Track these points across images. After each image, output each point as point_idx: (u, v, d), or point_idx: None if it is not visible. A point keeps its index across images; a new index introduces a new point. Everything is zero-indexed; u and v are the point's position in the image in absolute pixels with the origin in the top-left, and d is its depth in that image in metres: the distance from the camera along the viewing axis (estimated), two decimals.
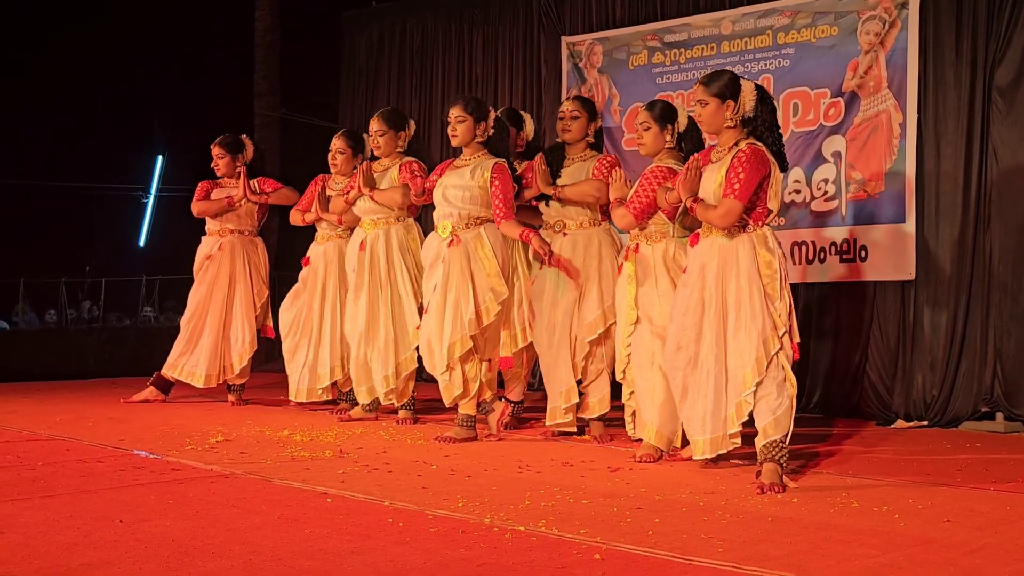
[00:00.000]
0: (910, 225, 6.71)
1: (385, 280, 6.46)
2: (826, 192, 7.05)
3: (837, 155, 7.04)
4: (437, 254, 5.87)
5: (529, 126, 6.41)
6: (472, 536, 3.60)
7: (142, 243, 16.94)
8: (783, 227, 7.22)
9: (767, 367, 4.59)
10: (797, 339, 4.72)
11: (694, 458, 4.88)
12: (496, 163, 5.80)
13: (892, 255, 6.78)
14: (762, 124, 4.81)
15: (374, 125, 6.55)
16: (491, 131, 5.88)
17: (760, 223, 4.76)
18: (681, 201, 4.92)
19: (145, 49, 13.60)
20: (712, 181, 4.78)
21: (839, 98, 7.03)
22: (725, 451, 4.76)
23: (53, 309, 13.49)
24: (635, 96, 8.04)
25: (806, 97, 7.18)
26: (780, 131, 4.92)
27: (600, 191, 5.75)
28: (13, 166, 13.22)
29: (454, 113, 5.86)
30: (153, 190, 16.60)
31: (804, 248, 7.10)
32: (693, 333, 4.78)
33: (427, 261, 5.99)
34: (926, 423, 6.53)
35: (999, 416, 6.30)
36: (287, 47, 11.30)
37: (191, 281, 7.59)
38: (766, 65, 7.40)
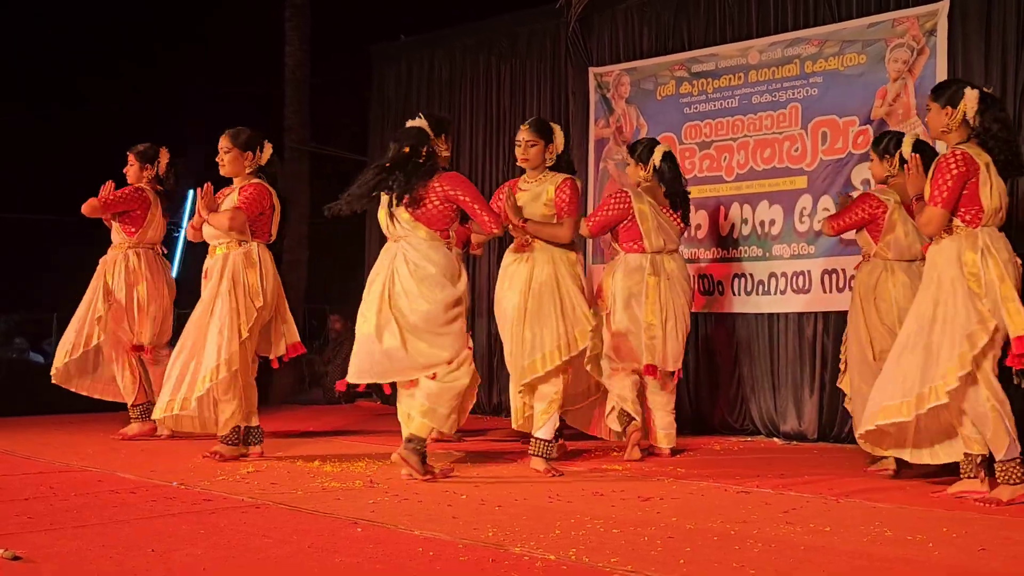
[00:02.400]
0: None
1: (214, 305, 6.18)
2: None
3: (867, 183, 7.01)
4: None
5: (559, 138, 6.34)
6: (502, 565, 3.59)
7: (175, 275, 17.04)
8: (814, 255, 7.21)
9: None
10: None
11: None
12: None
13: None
14: (985, 131, 4.96)
15: (222, 143, 6.33)
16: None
17: (974, 224, 4.91)
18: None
19: (176, 84, 13.75)
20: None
21: (868, 126, 7.03)
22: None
23: (46, 341, 13.56)
24: (663, 126, 8.07)
25: (835, 125, 7.18)
26: (1012, 137, 5.05)
27: (566, 233, 5.85)
28: (48, 204, 13.35)
29: (522, 136, 6.00)
30: (184, 223, 16.72)
31: (835, 276, 7.08)
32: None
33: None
34: None
35: None
36: (316, 81, 11.38)
37: None
38: (794, 94, 7.41)
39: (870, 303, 5.85)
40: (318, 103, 11.51)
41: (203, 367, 6.02)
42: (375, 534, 4.12)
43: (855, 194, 6.42)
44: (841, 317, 7.03)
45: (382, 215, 5.56)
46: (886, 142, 5.95)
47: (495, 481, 5.47)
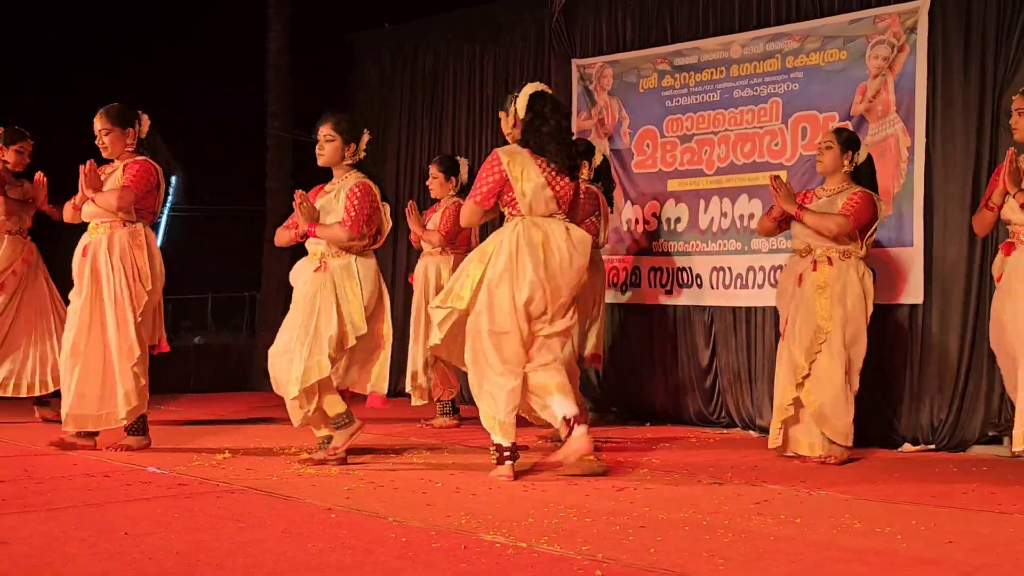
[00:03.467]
0: (918, 248, 6.72)
1: (100, 288, 5.92)
2: None
3: None
4: (305, 278, 5.69)
5: (598, 156, 6.24)
6: (474, 552, 3.61)
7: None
8: (792, 250, 7.23)
9: None
10: None
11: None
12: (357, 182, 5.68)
13: (900, 278, 6.79)
14: None
15: (97, 124, 6.06)
16: (363, 154, 5.73)
17: None
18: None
19: (158, 71, 13.70)
20: None
21: (847, 122, 7.05)
22: None
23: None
24: (644, 119, 8.09)
25: (815, 121, 7.21)
26: None
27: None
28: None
29: (323, 132, 5.68)
30: (166, 210, 16.69)
31: None
32: None
33: (295, 284, 5.78)
34: (933, 447, 6.52)
35: (1007, 440, 6.29)
36: (299, 69, 11.37)
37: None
38: (775, 89, 7.43)
39: None
40: (301, 91, 11.49)
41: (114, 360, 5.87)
42: (348, 520, 4.14)
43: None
44: None
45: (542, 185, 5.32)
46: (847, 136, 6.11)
47: (471, 469, 5.49)
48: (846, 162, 5.98)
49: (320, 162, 5.71)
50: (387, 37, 10.19)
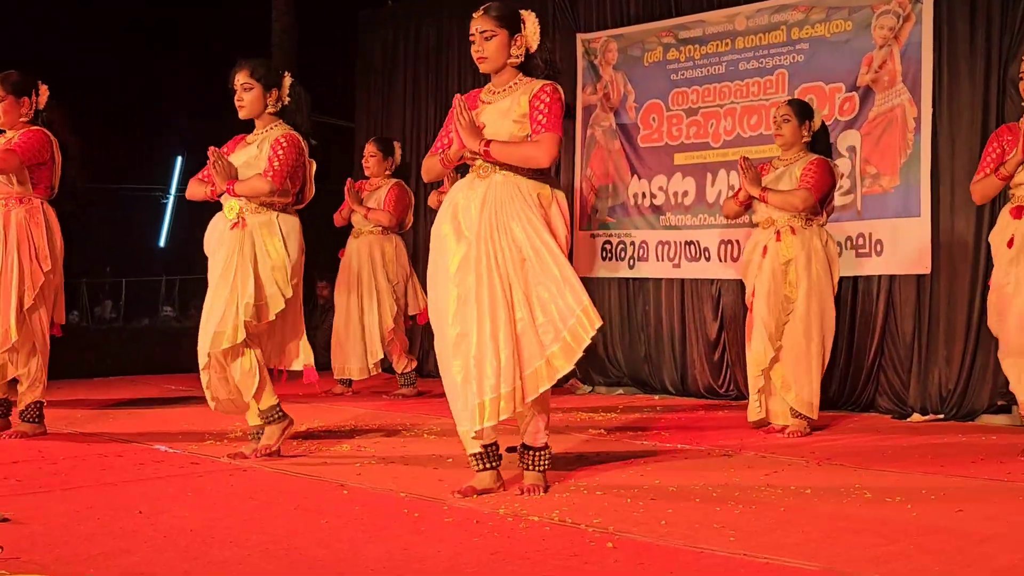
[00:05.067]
0: (925, 219, 6.71)
1: None
2: (842, 187, 7.03)
3: (852, 150, 7.04)
4: (220, 238, 5.10)
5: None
6: (486, 526, 3.63)
7: (162, 243, 17.04)
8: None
9: None
10: None
11: None
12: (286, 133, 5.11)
13: (907, 249, 6.79)
14: None
15: None
16: (287, 101, 5.18)
17: None
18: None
19: (162, 50, 13.66)
20: None
21: (854, 93, 7.04)
22: None
23: (76, 310, 13.58)
24: (650, 93, 8.07)
25: (821, 92, 7.19)
26: None
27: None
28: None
29: (240, 80, 5.08)
30: (173, 190, 16.70)
31: None
32: None
33: (209, 246, 5.19)
34: (942, 416, 6.53)
35: (1015, 409, 6.29)
36: (304, 48, 11.33)
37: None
38: (780, 60, 7.41)
39: None
40: (307, 71, 11.46)
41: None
42: (361, 496, 4.16)
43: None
44: (847, 283, 7.06)
45: None
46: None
47: None
48: (804, 132, 5.96)
49: (241, 115, 5.11)
50: (391, 14, 10.16)
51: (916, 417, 6.60)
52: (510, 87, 4.29)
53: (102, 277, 14.67)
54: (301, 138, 5.13)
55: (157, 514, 3.80)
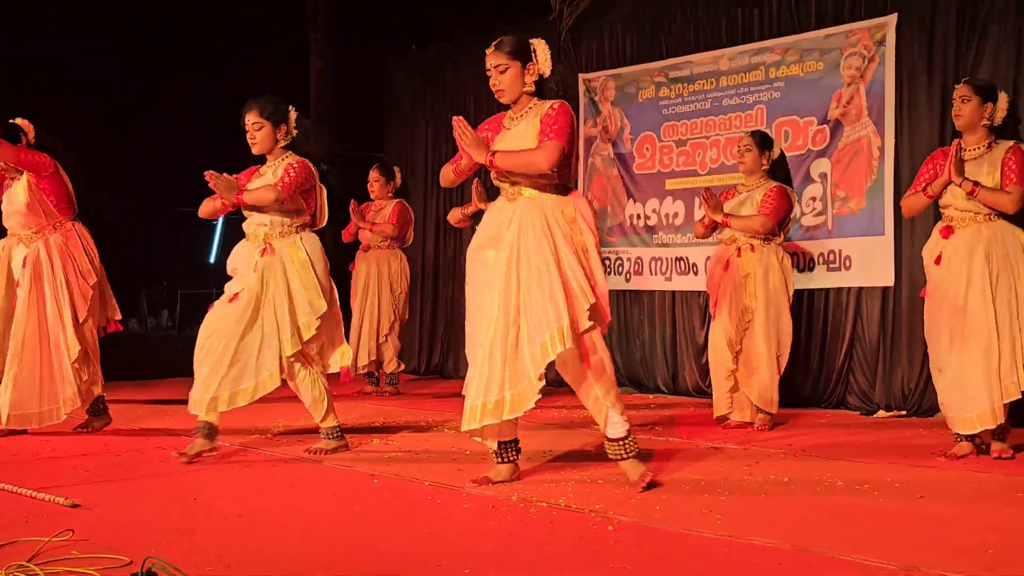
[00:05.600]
0: (889, 237, 6.70)
1: (43, 291, 5.54)
2: (814, 208, 7.05)
3: (824, 176, 7.04)
4: (247, 261, 4.93)
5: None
6: (501, 511, 3.64)
7: (212, 259, 17.06)
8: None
9: None
10: None
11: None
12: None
13: (873, 264, 6.78)
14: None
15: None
16: (295, 133, 5.01)
17: None
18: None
19: (217, 84, 13.57)
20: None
21: (825, 125, 7.03)
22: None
23: (135, 318, 13.61)
24: (644, 126, 8.07)
25: (796, 125, 7.19)
26: None
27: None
28: (105, 188, 13.29)
29: (250, 120, 4.93)
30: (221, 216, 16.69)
31: (796, 258, 7.10)
32: None
33: (234, 265, 5.03)
34: (905, 412, 6.51)
35: None
36: (339, 87, 11.35)
37: None
38: (759, 97, 7.41)
39: None
40: (341, 109, 11.48)
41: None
42: (389, 484, 4.17)
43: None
44: (799, 295, 7.06)
45: None
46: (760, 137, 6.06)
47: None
48: (764, 160, 5.95)
49: (255, 151, 4.96)
50: (415, 58, 10.17)
51: (881, 413, 6.58)
52: (527, 111, 4.22)
53: (159, 289, 14.71)
54: (311, 164, 5.02)
55: (210, 500, 3.82)
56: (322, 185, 5.11)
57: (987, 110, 4.88)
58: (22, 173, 5.59)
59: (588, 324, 3.97)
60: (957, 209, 4.91)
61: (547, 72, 4.20)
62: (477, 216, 6.88)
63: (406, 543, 3.16)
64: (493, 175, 4.24)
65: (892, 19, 6.72)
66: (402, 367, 8.05)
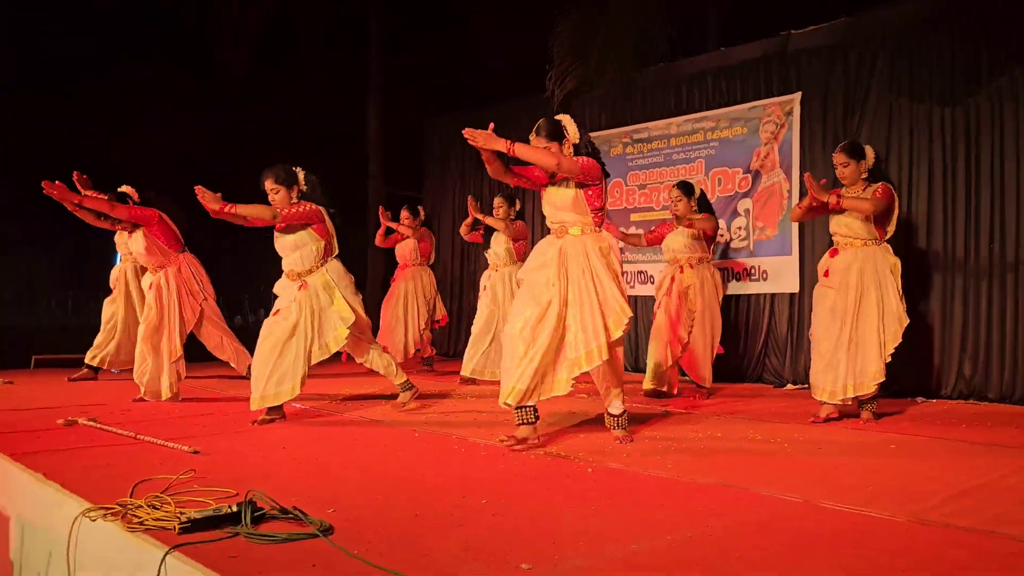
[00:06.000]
0: (795, 256, 6.70)
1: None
2: (740, 235, 7.05)
3: (747, 211, 7.03)
4: (288, 292, 4.79)
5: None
6: (509, 458, 3.63)
7: None
8: (713, 259, 7.21)
9: None
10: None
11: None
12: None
13: (783, 276, 6.77)
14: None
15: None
16: (304, 188, 4.79)
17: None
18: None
19: (297, 140, 13.37)
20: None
21: (748, 174, 7.03)
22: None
23: (239, 315, 13.61)
24: (615, 174, 8.02)
25: (726, 174, 7.19)
26: None
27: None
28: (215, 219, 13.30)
29: (268, 186, 4.70)
30: None
31: (726, 272, 7.11)
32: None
33: (280, 295, 4.83)
34: (806, 386, 6.47)
35: None
36: (388, 143, 11.38)
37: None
38: (699, 153, 7.41)
39: None
40: (390, 158, 11.51)
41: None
42: (426, 438, 4.16)
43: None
44: (729, 300, 7.05)
45: None
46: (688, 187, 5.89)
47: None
48: (692, 203, 5.81)
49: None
50: (446, 120, 10.19)
51: (789, 386, 6.57)
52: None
53: (256, 293, 14.71)
54: (321, 208, 4.79)
55: (294, 449, 3.82)
56: (331, 222, 4.86)
57: (862, 166, 4.84)
58: (138, 226, 5.70)
59: (620, 334, 3.83)
60: (841, 235, 4.90)
61: (577, 141, 4.01)
62: (475, 223, 6.85)
63: (439, 480, 3.17)
64: (549, 219, 4.01)
65: (797, 96, 6.73)
66: (434, 351, 8.08)
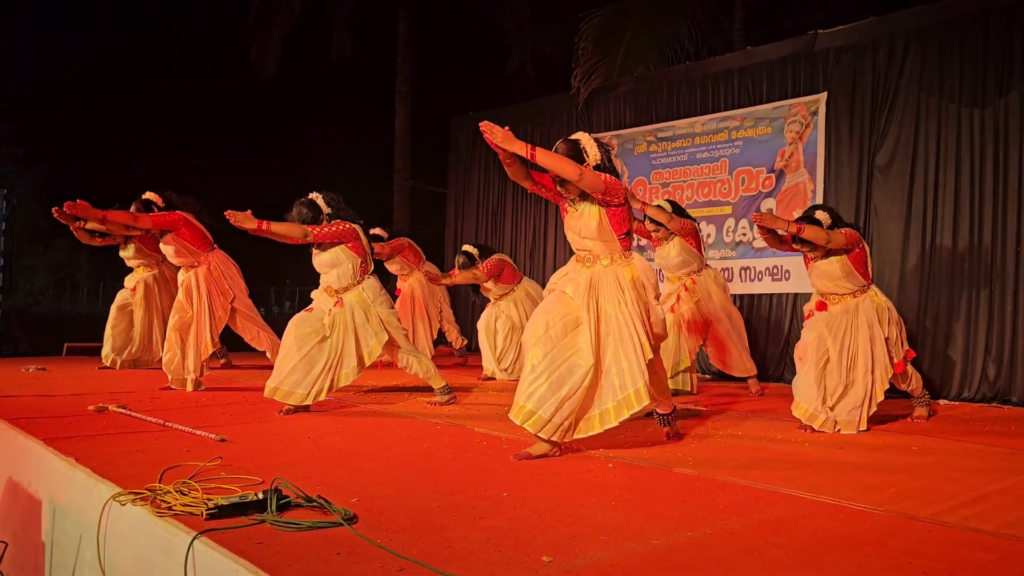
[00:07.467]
0: None
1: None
2: None
3: (770, 211, 6.97)
4: (324, 307, 4.84)
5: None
6: (524, 446, 3.63)
7: None
8: (735, 258, 7.18)
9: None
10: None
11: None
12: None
13: (805, 276, 6.64)
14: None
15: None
16: (328, 211, 4.78)
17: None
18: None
19: (309, 146, 13.41)
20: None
21: (772, 174, 6.98)
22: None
23: (263, 307, 13.73)
24: (638, 172, 8.04)
25: (751, 173, 7.14)
26: None
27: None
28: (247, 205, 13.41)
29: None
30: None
31: (749, 272, 7.06)
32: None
33: (316, 302, 4.90)
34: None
35: None
36: (415, 140, 11.42)
37: None
38: (724, 152, 7.36)
39: None
40: (416, 156, 11.55)
41: None
42: (448, 430, 4.18)
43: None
44: (751, 299, 7.01)
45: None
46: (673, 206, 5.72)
47: None
48: (674, 223, 5.59)
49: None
50: (471, 120, 10.19)
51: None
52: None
53: (284, 286, 14.82)
54: (356, 225, 4.79)
55: (320, 438, 3.85)
56: (365, 238, 4.86)
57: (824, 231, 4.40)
58: (166, 232, 5.73)
59: (651, 355, 3.55)
60: (829, 292, 4.57)
61: (598, 160, 3.64)
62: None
63: (461, 472, 3.18)
64: (574, 247, 3.73)
65: (823, 96, 6.66)
66: (465, 342, 8.27)
